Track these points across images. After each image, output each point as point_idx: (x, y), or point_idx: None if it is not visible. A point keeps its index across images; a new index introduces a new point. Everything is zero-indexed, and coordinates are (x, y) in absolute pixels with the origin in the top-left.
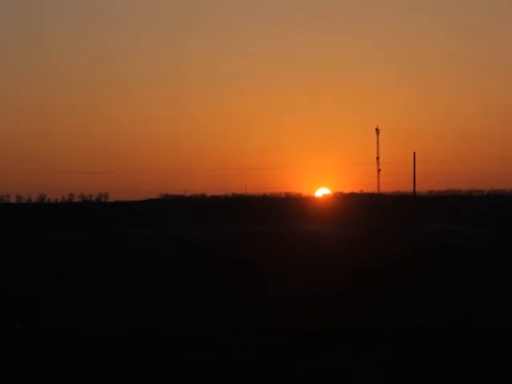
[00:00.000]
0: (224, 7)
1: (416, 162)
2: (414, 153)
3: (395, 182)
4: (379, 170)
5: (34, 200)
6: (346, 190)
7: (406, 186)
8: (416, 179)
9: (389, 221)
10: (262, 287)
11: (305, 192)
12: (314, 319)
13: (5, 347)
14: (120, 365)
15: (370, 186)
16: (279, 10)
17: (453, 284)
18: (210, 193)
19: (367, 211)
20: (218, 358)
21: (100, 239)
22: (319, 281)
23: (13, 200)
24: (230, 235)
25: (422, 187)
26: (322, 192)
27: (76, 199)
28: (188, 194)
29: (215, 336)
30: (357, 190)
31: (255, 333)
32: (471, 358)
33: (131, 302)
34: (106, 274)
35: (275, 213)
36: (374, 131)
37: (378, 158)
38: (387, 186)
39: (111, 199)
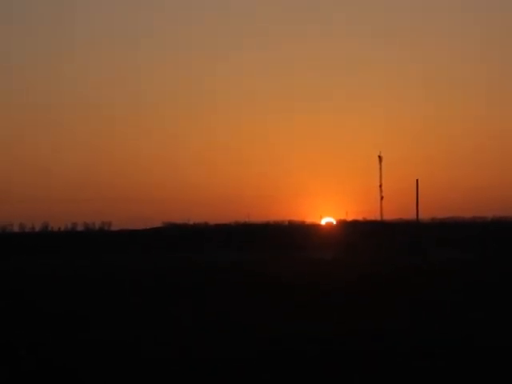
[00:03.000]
0: (242, 29)
1: (419, 190)
2: (417, 180)
3: (398, 209)
4: (382, 198)
5: (37, 229)
6: (349, 218)
7: (408, 214)
8: (419, 206)
9: (390, 247)
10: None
11: (308, 220)
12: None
13: (6, 353)
14: (121, 370)
15: (372, 214)
16: (281, 33)
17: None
18: (212, 221)
19: (369, 238)
20: (221, 360)
21: (104, 264)
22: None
23: (16, 229)
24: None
25: (425, 214)
26: (325, 220)
27: (79, 228)
28: (191, 222)
29: (217, 338)
30: (360, 217)
31: (257, 334)
32: (460, 363)
33: (135, 312)
34: (110, 285)
35: (278, 241)
36: (377, 159)
37: (380, 186)
38: (390, 214)
39: (114, 228)
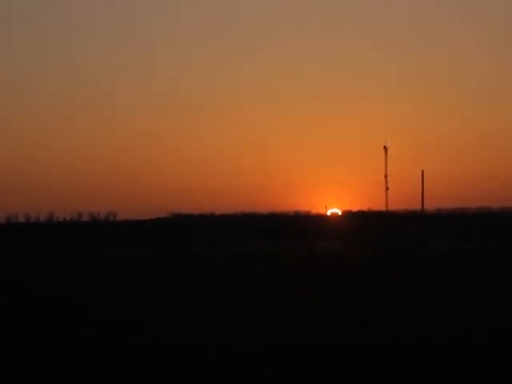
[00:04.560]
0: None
1: (424, 181)
2: (423, 171)
3: (403, 200)
4: (387, 189)
5: (42, 219)
6: (355, 208)
7: (414, 204)
8: (424, 197)
9: (394, 238)
10: (260, 301)
11: (314, 210)
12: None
13: (7, 351)
14: (121, 368)
15: (378, 204)
16: (287, 29)
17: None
18: (218, 211)
19: (374, 228)
20: (221, 361)
21: (107, 257)
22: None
23: (21, 219)
24: (236, 253)
25: (431, 205)
26: (331, 211)
27: (84, 218)
28: (197, 212)
29: (216, 340)
30: (365, 208)
31: (256, 333)
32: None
33: (138, 311)
34: (112, 280)
35: (284, 231)
36: (383, 149)
37: (386, 177)
38: (395, 204)
39: (120, 218)
